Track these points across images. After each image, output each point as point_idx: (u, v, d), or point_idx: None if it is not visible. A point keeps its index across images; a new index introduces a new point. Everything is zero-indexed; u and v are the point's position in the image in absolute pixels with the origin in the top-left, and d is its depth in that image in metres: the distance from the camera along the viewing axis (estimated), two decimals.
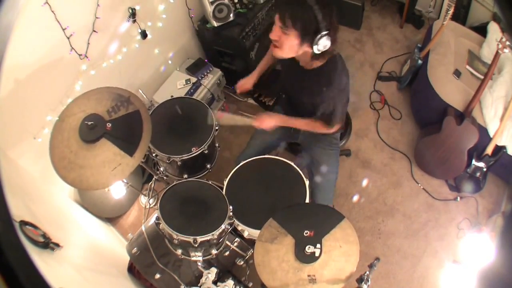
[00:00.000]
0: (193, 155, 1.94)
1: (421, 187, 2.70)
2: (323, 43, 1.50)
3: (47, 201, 2.12)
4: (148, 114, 1.71)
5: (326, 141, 2.03)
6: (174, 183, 1.74)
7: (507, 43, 2.07)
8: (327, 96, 1.69)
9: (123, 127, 1.64)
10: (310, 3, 1.42)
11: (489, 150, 2.41)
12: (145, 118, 1.68)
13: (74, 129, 1.60)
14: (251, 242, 1.84)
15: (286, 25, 1.49)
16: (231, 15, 2.67)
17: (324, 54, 1.58)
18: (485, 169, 2.49)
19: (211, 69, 2.81)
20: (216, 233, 1.58)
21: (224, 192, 1.77)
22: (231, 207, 1.66)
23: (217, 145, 2.17)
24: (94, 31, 2.09)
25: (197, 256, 1.67)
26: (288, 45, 1.55)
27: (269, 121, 1.84)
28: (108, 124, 1.61)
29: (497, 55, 2.15)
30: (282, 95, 2.18)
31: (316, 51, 1.52)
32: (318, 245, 1.34)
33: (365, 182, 2.74)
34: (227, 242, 1.84)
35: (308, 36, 1.49)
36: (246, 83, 2.04)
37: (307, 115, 1.95)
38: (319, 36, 1.47)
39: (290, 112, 2.07)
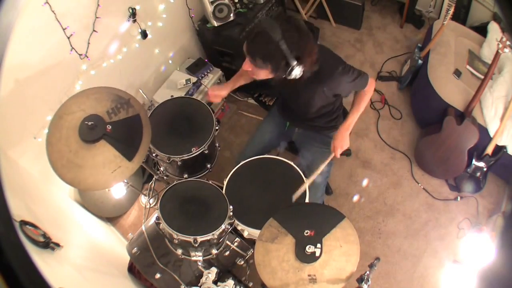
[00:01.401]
0: (193, 155, 1.93)
1: (421, 187, 2.70)
2: (295, 73, 1.53)
3: (47, 201, 2.12)
4: (148, 119, 1.70)
5: (321, 140, 2.02)
6: (174, 183, 1.74)
7: (508, 43, 2.07)
8: (339, 83, 1.69)
9: (123, 131, 1.64)
10: (275, 38, 1.42)
11: (489, 150, 2.41)
12: (145, 123, 1.68)
13: (74, 128, 1.59)
14: (251, 242, 1.84)
15: (256, 64, 1.53)
16: (232, 15, 2.67)
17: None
18: (485, 169, 2.49)
19: (211, 69, 2.81)
20: (216, 233, 1.58)
21: (224, 192, 1.77)
22: (231, 207, 1.66)
23: (217, 145, 2.17)
24: (95, 31, 2.09)
25: (198, 256, 1.67)
26: (262, 75, 1.60)
27: (344, 142, 1.83)
28: (108, 126, 1.60)
29: (497, 55, 2.15)
30: (279, 100, 2.18)
31: (289, 78, 1.55)
32: (319, 245, 1.34)
33: (365, 182, 2.74)
34: (227, 242, 1.84)
35: (280, 69, 1.52)
36: (220, 94, 1.98)
37: (306, 114, 1.95)
38: (290, 69, 1.50)
39: (289, 114, 2.06)
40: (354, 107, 1.86)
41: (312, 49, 1.52)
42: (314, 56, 1.55)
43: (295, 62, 1.48)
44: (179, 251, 1.65)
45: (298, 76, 1.55)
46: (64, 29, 1.91)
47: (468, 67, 2.66)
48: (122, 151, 1.59)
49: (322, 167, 1.82)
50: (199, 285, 1.52)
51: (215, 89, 1.99)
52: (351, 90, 1.82)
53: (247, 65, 1.58)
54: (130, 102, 1.69)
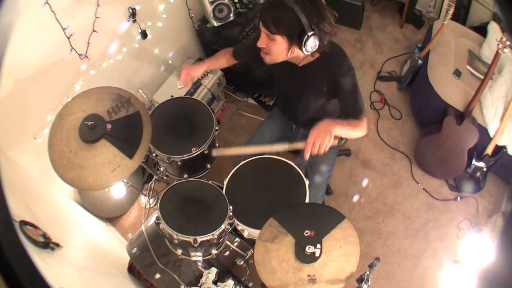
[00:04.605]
0: (193, 155, 1.93)
1: (421, 187, 2.70)
2: (311, 44, 1.47)
3: (47, 201, 2.12)
4: (148, 116, 1.70)
5: None
6: (174, 183, 1.74)
7: (507, 43, 2.07)
8: (338, 82, 1.63)
9: (123, 129, 1.64)
10: (290, 5, 1.40)
11: (489, 150, 2.41)
12: (145, 120, 1.68)
13: (74, 128, 1.59)
14: (251, 242, 1.84)
15: (270, 31, 1.48)
16: (231, 15, 2.67)
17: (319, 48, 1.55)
18: (485, 169, 2.49)
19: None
20: (216, 233, 1.58)
21: (224, 192, 1.77)
22: (231, 207, 1.65)
23: (217, 145, 2.17)
24: (94, 31, 2.09)
25: (197, 256, 1.67)
26: (276, 51, 1.55)
27: (324, 132, 1.51)
28: (108, 125, 1.60)
29: (497, 55, 2.15)
30: (280, 101, 2.16)
31: (305, 53, 1.51)
32: (318, 245, 1.34)
33: (365, 182, 2.74)
34: (227, 242, 1.84)
35: (295, 39, 1.48)
36: (193, 74, 1.92)
37: (306, 120, 1.94)
38: (305, 37, 1.44)
39: (291, 114, 2.06)
40: (345, 120, 1.66)
41: (328, 24, 1.48)
42: (329, 35, 1.51)
43: (310, 32, 1.44)
44: (179, 251, 1.65)
45: (313, 50, 1.49)
46: (64, 29, 1.91)
47: (468, 67, 2.66)
48: (123, 149, 1.59)
49: (279, 148, 1.69)
50: (199, 285, 1.52)
51: (189, 69, 1.91)
52: (343, 106, 1.70)
53: (261, 41, 1.53)
54: (130, 101, 1.69)
